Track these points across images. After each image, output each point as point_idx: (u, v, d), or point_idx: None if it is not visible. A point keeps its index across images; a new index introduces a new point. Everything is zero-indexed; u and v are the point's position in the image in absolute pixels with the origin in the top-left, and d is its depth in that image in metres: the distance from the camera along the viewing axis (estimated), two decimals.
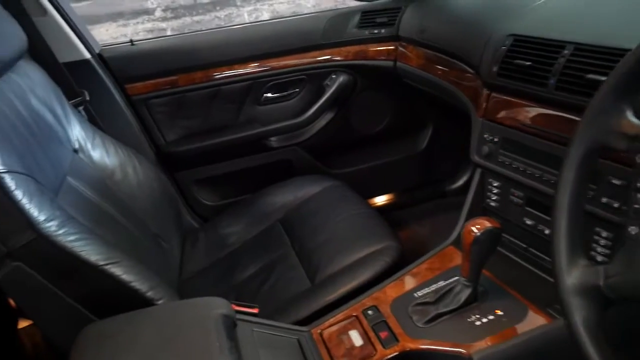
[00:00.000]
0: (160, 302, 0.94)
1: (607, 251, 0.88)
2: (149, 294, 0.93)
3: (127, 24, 6.74)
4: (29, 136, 1.01)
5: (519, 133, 1.04)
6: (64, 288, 0.89)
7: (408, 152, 2.02)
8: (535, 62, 1.00)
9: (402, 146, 2.01)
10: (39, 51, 1.36)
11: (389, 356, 0.90)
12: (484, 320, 0.93)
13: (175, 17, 6.97)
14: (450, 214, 1.47)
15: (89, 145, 1.29)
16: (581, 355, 0.58)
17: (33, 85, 1.15)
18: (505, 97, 1.09)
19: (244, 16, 6.81)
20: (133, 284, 0.92)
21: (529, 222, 1.05)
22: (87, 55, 1.54)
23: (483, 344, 0.88)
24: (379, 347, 0.92)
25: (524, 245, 1.08)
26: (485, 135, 1.12)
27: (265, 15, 6.64)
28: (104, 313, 0.89)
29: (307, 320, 1.05)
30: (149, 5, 7.47)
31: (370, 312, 1.00)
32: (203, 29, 1.84)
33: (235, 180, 1.85)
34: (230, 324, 0.84)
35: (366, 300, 1.04)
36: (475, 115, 1.19)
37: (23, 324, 1.42)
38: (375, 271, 1.15)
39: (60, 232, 0.87)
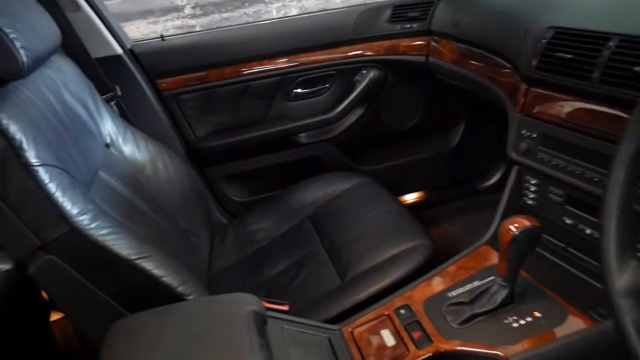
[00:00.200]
0: (190, 297, 0.94)
1: None
2: (180, 289, 0.93)
3: (157, 21, 6.82)
4: (63, 130, 1.02)
5: (559, 129, 1.01)
6: (96, 282, 0.90)
7: (439, 149, 1.99)
8: (577, 55, 0.96)
9: (434, 143, 1.98)
10: (72, 46, 1.38)
11: (423, 357, 0.88)
12: (522, 322, 0.90)
13: (204, 14, 7.03)
14: (482, 212, 1.44)
15: (120, 140, 1.30)
16: (632, 358, 0.55)
17: (66, 80, 1.16)
18: (544, 92, 1.06)
19: (272, 12, 6.82)
20: (164, 278, 0.92)
21: (568, 221, 1.02)
22: (119, 50, 1.56)
23: (520, 347, 0.85)
24: (411, 347, 0.90)
25: (563, 245, 1.05)
26: (523, 132, 1.09)
27: (294, 12, 6.63)
28: (134, 307, 0.89)
29: (338, 319, 1.03)
30: (179, 2, 7.55)
31: (402, 311, 0.98)
32: (232, 24, 1.83)
33: (264, 177, 1.85)
34: (261, 321, 0.83)
35: (398, 299, 1.02)
36: (512, 111, 1.15)
37: (55, 316, 1.44)
38: (407, 269, 1.13)
39: (93, 225, 0.87)
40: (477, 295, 0.94)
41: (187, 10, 7.24)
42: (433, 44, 1.67)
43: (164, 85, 1.65)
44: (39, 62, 1.01)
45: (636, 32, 0.87)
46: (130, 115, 1.57)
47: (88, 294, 0.90)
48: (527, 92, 1.10)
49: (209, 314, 0.84)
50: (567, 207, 1.02)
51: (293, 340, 0.87)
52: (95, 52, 1.48)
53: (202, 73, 1.67)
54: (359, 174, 1.63)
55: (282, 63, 1.72)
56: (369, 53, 1.75)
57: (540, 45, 1.06)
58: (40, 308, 1.31)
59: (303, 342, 0.90)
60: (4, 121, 0.82)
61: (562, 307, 0.92)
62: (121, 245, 0.89)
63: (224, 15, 6.91)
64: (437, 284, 1.04)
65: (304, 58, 1.73)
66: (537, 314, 0.91)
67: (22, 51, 0.89)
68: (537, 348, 0.84)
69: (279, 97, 1.76)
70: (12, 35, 0.87)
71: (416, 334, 0.92)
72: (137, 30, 6.26)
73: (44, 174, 0.84)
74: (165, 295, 0.91)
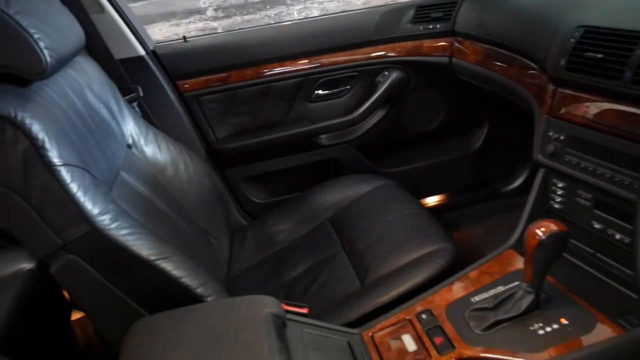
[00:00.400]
0: (209, 298, 0.94)
1: None
2: (199, 290, 0.93)
3: (179, 24, 6.89)
4: (85, 131, 1.02)
5: (588, 130, 0.98)
6: (116, 282, 0.90)
7: (462, 152, 1.95)
8: (608, 55, 0.93)
9: (456, 145, 1.95)
10: (96, 47, 1.39)
11: None
12: (548, 329, 0.87)
13: (226, 16, 7.08)
14: (505, 216, 1.41)
15: (142, 141, 1.30)
16: None
17: (90, 80, 1.17)
18: (573, 93, 1.03)
19: (294, 14, 6.84)
20: (183, 279, 0.92)
21: (597, 225, 0.98)
22: (142, 51, 1.57)
23: (546, 355, 0.83)
24: (433, 352, 0.88)
25: (591, 251, 1.02)
26: (550, 133, 1.06)
27: (315, 13, 6.64)
28: (154, 308, 0.89)
29: (358, 322, 1.02)
30: (201, 4, 7.62)
31: (424, 316, 0.96)
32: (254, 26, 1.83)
33: (285, 178, 1.84)
34: (280, 324, 0.82)
35: (419, 303, 1.00)
36: (539, 112, 1.13)
37: (76, 315, 1.45)
38: (429, 274, 1.11)
39: (113, 225, 0.87)
40: (502, 301, 0.92)
41: (210, 13, 7.31)
42: (457, 44, 1.65)
43: (185, 86, 1.66)
44: (63, 62, 1.02)
45: None
46: (151, 116, 1.58)
47: (108, 294, 0.90)
48: (554, 93, 1.07)
49: (228, 316, 0.83)
50: (596, 211, 0.99)
51: (312, 344, 0.86)
52: (118, 53, 1.50)
53: (224, 74, 1.67)
54: (380, 176, 1.61)
55: (303, 64, 1.71)
56: (392, 54, 1.74)
57: (569, 45, 1.03)
58: (61, 307, 1.32)
59: (322, 345, 0.89)
60: (27, 121, 0.82)
61: (590, 315, 0.89)
62: (141, 245, 0.89)
63: (246, 17, 6.95)
64: (459, 288, 1.02)
65: (326, 59, 1.72)
66: (563, 321, 0.88)
67: (46, 51, 0.89)
68: (563, 356, 0.82)
69: (300, 98, 1.75)
70: (36, 36, 0.88)
71: (438, 340, 0.90)
72: (160, 33, 6.33)
73: (65, 174, 0.85)
74: (184, 296, 0.91)
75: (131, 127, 1.29)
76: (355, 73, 1.76)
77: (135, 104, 1.48)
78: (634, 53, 0.88)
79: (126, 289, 0.91)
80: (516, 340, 0.86)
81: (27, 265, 1.15)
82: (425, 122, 1.88)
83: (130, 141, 1.26)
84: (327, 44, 1.71)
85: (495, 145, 1.94)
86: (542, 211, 1.12)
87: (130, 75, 1.49)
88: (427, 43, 1.71)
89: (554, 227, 0.83)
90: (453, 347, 0.88)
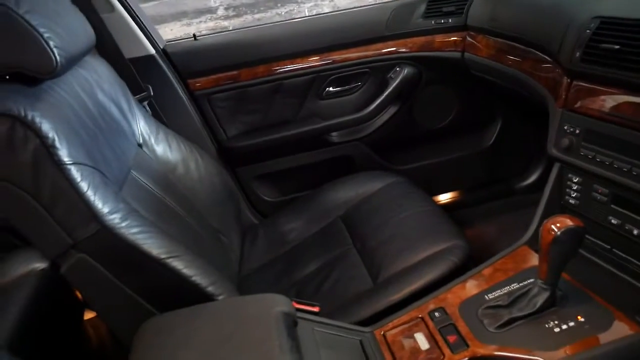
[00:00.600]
0: (220, 297, 0.93)
1: None
2: (210, 289, 0.93)
3: (190, 23, 6.93)
4: (96, 130, 1.02)
5: (604, 124, 0.96)
6: (126, 281, 0.90)
7: (475, 148, 1.93)
8: (625, 46, 0.91)
9: (469, 141, 1.93)
10: (106, 47, 1.40)
11: None
12: (564, 326, 0.85)
13: (237, 15, 7.10)
14: (518, 212, 1.39)
15: (152, 140, 1.30)
16: None
17: (100, 80, 1.17)
18: (588, 85, 1.01)
19: (305, 12, 6.83)
20: (194, 278, 0.91)
21: (614, 221, 0.96)
22: (152, 50, 1.57)
23: (562, 353, 0.81)
24: (446, 351, 0.87)
25: (608, 247, 1.00)
26: (565, 127, 1.04)
27: (326, 10, 6.62)
28: (164, 306, 0.89)
29: (370, 321, 1.01)
30: (212, 4, 7.65)
31: (437, 314, 0.95)
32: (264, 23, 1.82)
33: (296, 176, 1.84)
34: (291, 323, 0.82)
35: (432, 301, 0.99)
36: (553, 106, 1.11)
37: (89, 315, 1.46)
38: (441, 271, 1.10)
39: (124, 224, 0.87)
40: (516, 298, 0.90)
41: (220, 12, 7.33)
42: (469, 39, 1.62)
43: (196, 84, 1.66)
44: (73, 62, 1.02)
45: None
46: (162, 114, 1.58)
47: (118, 292, 0.90)
48: (569, 86, 1.05)
49: (239, 315, 0.83)
50: (613, 206, 0.97)
51: (324, 343, 0.85)
52: (129, 52, 1.50)
53: (234, 72, 1.66)
54: (391, 174, 1.60)
55: (314, 61, 1.70)
56: (403, 50, 1.72)
57: (585, 37, 1.01)
58: (74, 307, 1.33)
59: (334, 344, 0.88)
60: (37, 120, 0.82)
61: (608, 312, 0.87)
62: (151, 244, 0.89)
63: (257, 16, 6.96)
64: (473, 286, 1.01)
65: (337, 56, 1.71)
66: (580, 319, 0.86)
67: (56, 51, 0.89)
68: (580, 354, 0.80)
69: (311, 95, 1.74)
70: (46, 35, 0.88)
71: (451, 338, 0.89)
72: (171, 33, 6.37)
73: (76, 173, 0.85)
74: (194, 295, 0.91)
75: (142, 126, 1.29)
76: (366, 69, 1.74)
77: (145, 102, 1.48)
78: None
79: (136, 288, 0.91)
80: (531, 338, 0.85)
81: (40, 265, 1.16)
82: (438, 119, 1.86)
83: (140, 140, 1.26)
84: (338, 40, 1.70)
85: (508, 141, 1.92)
86: (558, 207, 1.10)
87: (140, 74, 1.49)
88: (439, 38, 1.69)
89: (569, 222, 0.81)
90: (467, 345, 0.87)
